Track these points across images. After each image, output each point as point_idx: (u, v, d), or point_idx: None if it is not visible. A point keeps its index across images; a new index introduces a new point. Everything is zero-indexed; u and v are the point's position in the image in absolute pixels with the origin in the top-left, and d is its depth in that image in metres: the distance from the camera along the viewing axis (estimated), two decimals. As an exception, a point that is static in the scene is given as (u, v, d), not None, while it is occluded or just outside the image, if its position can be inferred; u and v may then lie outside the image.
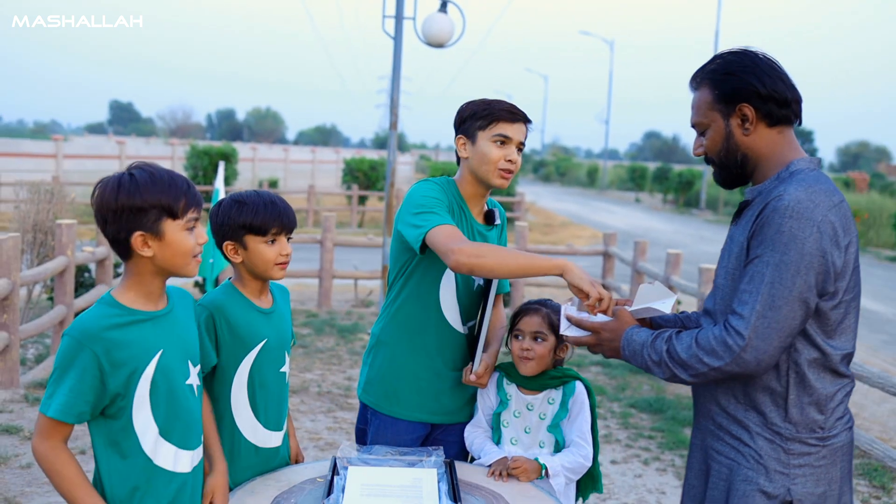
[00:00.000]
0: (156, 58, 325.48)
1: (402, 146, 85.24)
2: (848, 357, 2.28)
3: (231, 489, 2.54)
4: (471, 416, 3.06)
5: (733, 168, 2.38)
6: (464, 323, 3.00)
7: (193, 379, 2.31)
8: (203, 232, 2.22)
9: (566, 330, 2.56)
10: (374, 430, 3.02)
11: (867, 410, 7.78)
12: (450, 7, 9.59)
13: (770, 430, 2.26)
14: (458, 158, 2.97)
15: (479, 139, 2.88)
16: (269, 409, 2.67)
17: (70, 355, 2.06)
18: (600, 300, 2.48)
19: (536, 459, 2.81)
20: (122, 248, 2.15)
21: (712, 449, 2.40)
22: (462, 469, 2.80)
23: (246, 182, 29.28)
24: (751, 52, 2.34)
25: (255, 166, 32.70)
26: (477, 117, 2.88)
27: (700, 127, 2.41)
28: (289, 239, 2.65)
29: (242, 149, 34.48)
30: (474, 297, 3.00)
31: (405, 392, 2.98)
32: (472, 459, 3.02)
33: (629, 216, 31.64)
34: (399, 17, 9.63)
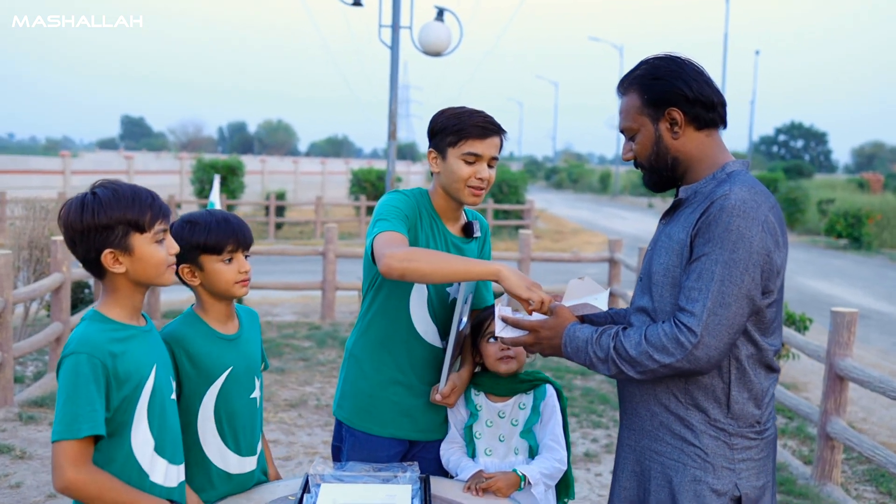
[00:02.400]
0: (167, 73, 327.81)
1: (414, 156, 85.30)
2: (777, 353, 2.33)
3: None
4: (446, 433, 2.98)
5: (664, 171, 2.39)
6: (442, 338, 2.92)
7: (174, 394, 2.34)
8: (173, 242, 2.23)
9: (502, 331, 2.49)
10: (348, 448, 2.94)
11: (875, 415, 7.65)
12: (446, 15, 9.55)
13: (714, 426, 2.28)
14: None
15: (448, 156, 2.81)
16: (241, 436, 2.61)
17: (80, 371, 2.04)
18: (542, 303, 2.42)
19: (514, 471, 2.73)
20: (95, 268, 2.16)
21: (650, 450, 2.38)
22: (438, 484, 2.73)
23: (254, 195, 29.35)
24: (677, 57, 2.37)
25: (264, 179, 32.79)
26: (447, 133, 2.80)
27: (629, 132, 2.42)
28: (246, 256, 2.59)
29: (252, 161, 34.60)
30: (450, 312, 2.92)
31: (379, 408, 2.90)
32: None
33: (641, 221, 31.51)
34: (395, 27, 9.60)
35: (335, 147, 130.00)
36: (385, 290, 2.86)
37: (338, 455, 3.02)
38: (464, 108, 2.86)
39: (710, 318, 2.14)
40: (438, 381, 2.91)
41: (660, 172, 2.40)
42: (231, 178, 23.37)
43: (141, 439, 2.17)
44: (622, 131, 2.44)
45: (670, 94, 2.31)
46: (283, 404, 6.86)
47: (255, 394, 2.66)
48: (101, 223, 2.09)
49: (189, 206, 23.54)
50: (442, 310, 2.90)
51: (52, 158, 29.08)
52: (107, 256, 2.11)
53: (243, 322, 2.68)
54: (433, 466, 2.94)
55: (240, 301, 2.41)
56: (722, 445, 2.27)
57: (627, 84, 2.40)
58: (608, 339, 2.28)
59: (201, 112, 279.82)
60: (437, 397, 2.83)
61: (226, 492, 2.60)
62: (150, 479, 2.20)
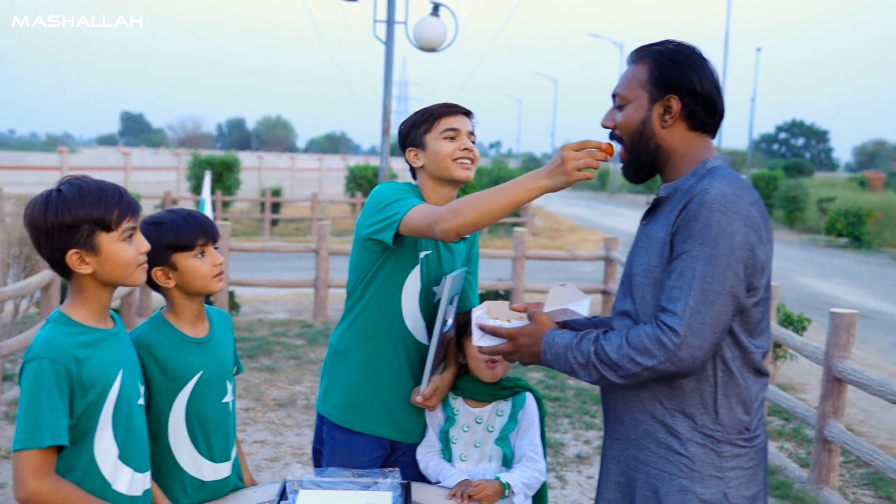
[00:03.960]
0: (166, 69, 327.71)
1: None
2: (765, 355, 2.25)
3: None
4: None
5: (643, 156, 2.30)
6: (429, 336, 2.84)
7: (142, 399, 2.25)
8: (143, 240, 2.15)
9: (479, 340, 2.41)
10: (329, 447, 2.86)
11: (874, 417, 7.56)
12: (442, 11, 9.45)
13: (701, 433, 2.18)
14: (413, 172, 2.88)
15: (428, 143, 2.80)
16: (213, 441, 2.53)
17: (42, 377, 1.97)
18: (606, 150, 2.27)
19: (497, 478, 2.67)
20: (61, 268, 2.08)
21: (635, 460, 2.28)
22: (419, 491, 2.66)
23: (251, 191, 29.26)
24: (700, 51, 2.29)
25: (261, 175, 32.71)
26: (419, 124, 2.82)
27: (621, 100, 2.32)
28: (216, 248, 2.51)
29: (249, 158, 34.50)
30: (437, 309, 2.84)
31: (362, 402, 2.83)
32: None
33: (639, 219, 31.42)
34: (391, 22, 9.52)
35: (333, 144, 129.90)
36: (378, 281, 2.80)
37: (319, 459, 2.94)
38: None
39: (692, 318, 2.05)
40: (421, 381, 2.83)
41: (638, 157, 2.31)
42: (227, 174, 23.29)
43: (105, 447, 2.09)
44: (614, 96, 2.35)
45: (680, 81, 2.22)
46: (272, 403, 6.76)
47: (228, 398, 2.58)
48: (65, 222, 2.02)
49: (185, 202, 23.45)
50: (432, 308, 2.84)
51: (49, 154, 28.97)
52: (72, 257, 2.05)
53: (214, 324, 2.60)
54: (414, 472, 2.86)
55: (210, 302, 2.36)
56: (709, 453, 2.18)
57: (643, 55, 2.30)
58: (588, 343, 2.20)
59: (200, 108, 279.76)
60: (419, 399, 2.76)
61: (200, 499, 2.52)
62: (113, 488, 2.12)
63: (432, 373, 2.76)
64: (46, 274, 7.15)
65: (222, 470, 2.56)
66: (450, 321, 2.79)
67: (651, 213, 2.34)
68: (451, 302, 2.75)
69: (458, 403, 2.85)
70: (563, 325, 2.45)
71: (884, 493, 5.56)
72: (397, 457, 2.89)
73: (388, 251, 2.73)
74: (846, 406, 5.47)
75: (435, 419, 2.87)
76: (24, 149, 55.85)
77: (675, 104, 2.24)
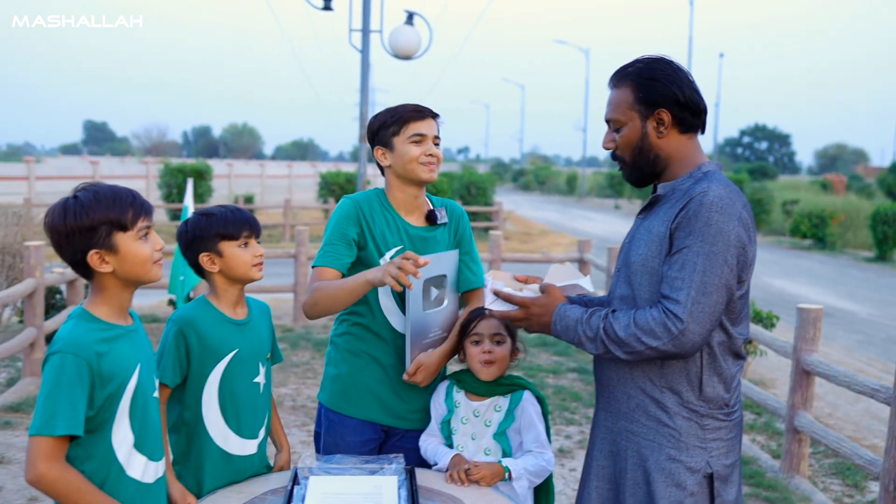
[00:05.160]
0: (130, 76, 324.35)
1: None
2: (745, 341, 2.51)
3: (198, 498, 2.64)
4: (426, 424, 3.07)
5: (645, 167, 2.53)
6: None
7: (157, 392, 2.39)
8: (158, 238, 2.28)
9: (492, 304, 2.63)
10: (326, 429, 3.08)
11: (841, 410, 7.83)
12: (416, 19, 9.62)
13: (686, 408, 2.43)
14: (382, 170, 3.07)
15: (396, 144, 2.98)
16: (242, 417, 2.73)
17: (64, 369, 2.08)
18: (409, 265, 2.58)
19: (500, 462, 2.81)
20: (82, 269, 2.20)
21: (626, 431, 2.54)
22: (423, 475, 2.80)
23: (222, 198, 29.13)
24: (670, 60, 2.51)
25: (231, 182, 32.59)
26: (388, 125, 2.98)
27: (616, 124, 2.54)
28: (259, 243, 2.76)
29: (218, 165, 34.36)
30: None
31: (354, 390, 3.03)
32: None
33: (608, 223, 31.74)
34: (366, 31, 9.67)
35: (301, 150, 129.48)
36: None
37: (318, 442, 3.15)
38: (392, 106, 3.04)
39: (694, 307, 2.29)
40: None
41: (640, 168, 2.54)
42: (199, 181, 23.23)
43: (122, 435, 2.21)
44: (608, 121, 2.56)
45: (664, 96, 2.44)
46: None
47: (259, 379, 2.78)
48: (83, 225, 2.14)
49: (157, 210, 23.32)
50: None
51: (15, 164, 28.72)
52: (93, 257, 2.16)
53: (253, 311, 2.84)
54: (412, 457, 3.02)
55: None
56: (694, 426, 2.43)
57: (621, 78, 2.51)
58: (598, 319, 2.43)
59: (165, 116, 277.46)
60: (405, 376, 2.96)
61: (223, 473, 2.70)
62: (127, 474, 2.24)
63: (417, 350, 2.95)
64: (30, 283, 7.22)
65: (249, 446, 2.76)
66: (447, 301, 3.00)
67: (649, 208, 2.55)
68: (441, 284, 2.96)
69: (459, 396, 2.99)
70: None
71: (851, 481, 5.80)
72: (394, 442, 3.08)
73: None
74: (814, 398, 5.71)
75: (438, 410, 3.02)
76: (-17, 159, 55.06)
77: (666, 116, 2.46)
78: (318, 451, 3.12)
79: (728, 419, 2.47)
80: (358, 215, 2.97)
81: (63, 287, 9.05)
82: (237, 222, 2.70)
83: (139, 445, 2.26)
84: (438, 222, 3.06)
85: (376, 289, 2.95)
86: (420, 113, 2.96)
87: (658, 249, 2.42)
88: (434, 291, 3.01)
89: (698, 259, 2.30)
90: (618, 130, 2.53)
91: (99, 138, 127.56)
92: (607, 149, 2.58)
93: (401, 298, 2.97)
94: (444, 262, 2.98)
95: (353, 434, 3.03)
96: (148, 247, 2.23)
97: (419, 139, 2.95)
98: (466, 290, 3.13)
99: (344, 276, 2.91)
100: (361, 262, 2.95)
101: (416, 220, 3.06)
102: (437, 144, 3.00)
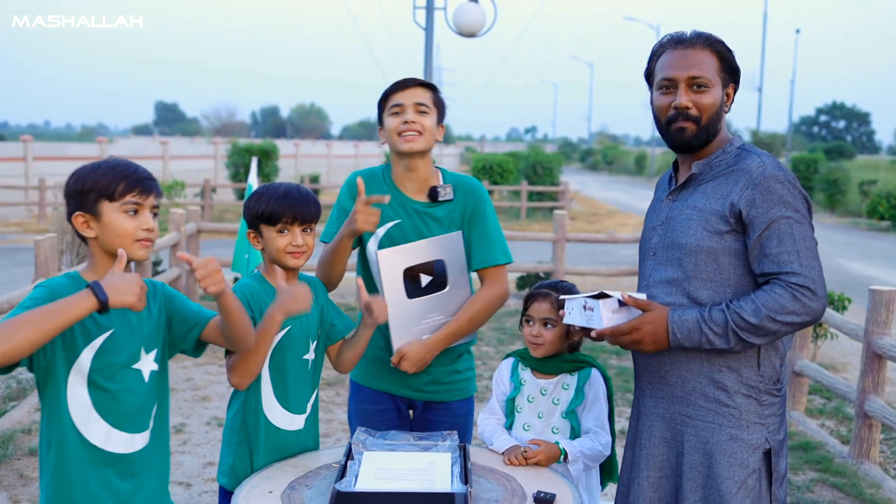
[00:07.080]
0: (199, 59, 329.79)
1: (448, 138, 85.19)
2: None
3: (248, 474, 2.66)
4: (446, 397, 3.08)
5: (710, 135, 2.50)
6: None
7: (144, 365, 2.33)
8: (148, 218, 2.27)
9: (609, 321, 2.42)
10: (350, 397, 3.25)
11: None
12: (481, -5, 9.54)
13: (746, 385, 2.45)
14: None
15: (384, 120, 3.02)
16: (291, 392, 2.75)
17: (36, 295, 2.14)
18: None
19: (557, 443, 2.77)
20: (76, 230, 2.28)
21: (682, 415, 2.51)
22: (477, 453, 2.80)
23: (288, 178, 29.52)
24: None
25: (297, 162, 32.98)
26: (379, 105, 3.04)
27: (703, 82, 2.47)
28: (310, 230, 2.73)
29: (285, 145, 34.74)
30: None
31: (367, 362, 3.12)
32: None
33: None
34: (430, 8, 9.63)
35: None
36: (360, 261, 3.14)
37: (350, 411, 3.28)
38: None
39: (812, 273, 2.34)
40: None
41: (707, 135, 2.49)
42: (265, 161, 23.54)
43: (79, 400, 2.22)
44: (695, 78, 2.46)
45: (736, 72, 2.53)
46: (321, 383, 6.92)
47: (309, 356, 2.79)
48: (79, 188, 2.24)
49: (224, 189, 23.71)
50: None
51: (88, 144, 29.40)
52: (77, 218, 2.24)
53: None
54: (442, 429, 3.01)
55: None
56: (753, 402, 2.45)
57: (705, 42, 2.49)
58: (720, 314, 2.37)
59: (234, 97, 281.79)
60: (392, 364, 3.00)
61: (273, 448, 2.72)
62: (81, 434, 2.23)
63: (407, 337, 2.97)
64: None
65: (297, 421, 2.77)
66: (450, 286, 2.97)
67: (683, 188, 2.55)
68: (439, 269, 2.94)
69: (525, 374, 2.98)
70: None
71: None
72: (419, 414, 3.13)
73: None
74: (886, 383, 5.54)
75: (501, 387, 3.01)
76: (60, 140, 56.54)
77: (732, 92, 2.53)
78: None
79: (779, 394, 2.50)
80: (354, 194, 3.02)
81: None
82: (277, 207, 2.67)
83: (100, 409, 2.25)
84: (440, 199, 3.02)
85: (370, 273, 3.03)
86: (402, 84, 2.96)
87: (715, 227, 2.41)
88: (425, 278, 2.97)
89: (792, 228, 2.35)
90: (700, 89, 2.47)
91: (170, 119, 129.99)
92: (684, 107, 2.46)
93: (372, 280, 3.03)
94: (435, 247, 2.95)
95: (370, 403, 3.13)
96: (132, 223, 2.24)
97: (398, 110, 2.95)
98: (480, 269, 3.05)
99: None
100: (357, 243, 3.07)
101: (418, 196, 3.04)
102: (423, 111, 2.94)
